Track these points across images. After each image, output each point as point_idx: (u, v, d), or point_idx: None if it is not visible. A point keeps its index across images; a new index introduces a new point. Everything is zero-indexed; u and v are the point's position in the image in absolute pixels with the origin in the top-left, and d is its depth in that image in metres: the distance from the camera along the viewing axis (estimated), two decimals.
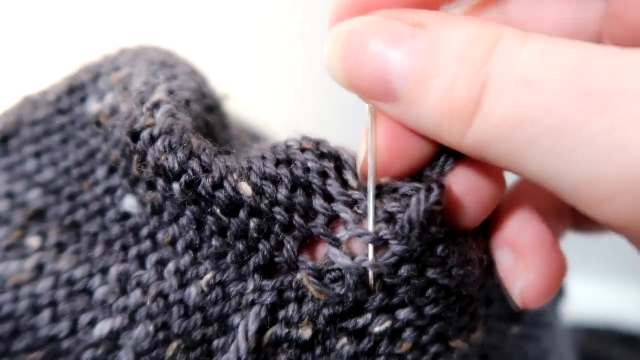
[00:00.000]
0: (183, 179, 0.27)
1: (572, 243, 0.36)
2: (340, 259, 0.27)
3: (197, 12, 0.73)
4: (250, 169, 0.28)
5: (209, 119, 0.32)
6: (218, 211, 0.27)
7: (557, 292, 0.37)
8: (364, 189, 0.28)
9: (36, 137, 0.33)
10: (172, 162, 0.27)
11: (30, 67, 0.65)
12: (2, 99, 0.34)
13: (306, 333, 0.27)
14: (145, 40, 0.35)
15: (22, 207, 0.31)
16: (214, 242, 0.28)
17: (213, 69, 0.36)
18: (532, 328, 0.37)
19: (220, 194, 0.27)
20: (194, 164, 0.27)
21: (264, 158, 0.29)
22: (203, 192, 0.27)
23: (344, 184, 0.28)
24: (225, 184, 0.27)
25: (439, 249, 0.27)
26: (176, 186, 0.27)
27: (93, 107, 0.32)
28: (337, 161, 0.29)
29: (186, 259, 0.29)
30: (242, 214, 0.27)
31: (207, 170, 0.27)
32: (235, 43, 0.73)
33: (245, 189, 0.27)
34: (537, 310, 0.37)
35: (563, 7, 0.28)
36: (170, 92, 0.30)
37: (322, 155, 0.29)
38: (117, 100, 0.31)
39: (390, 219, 0.26)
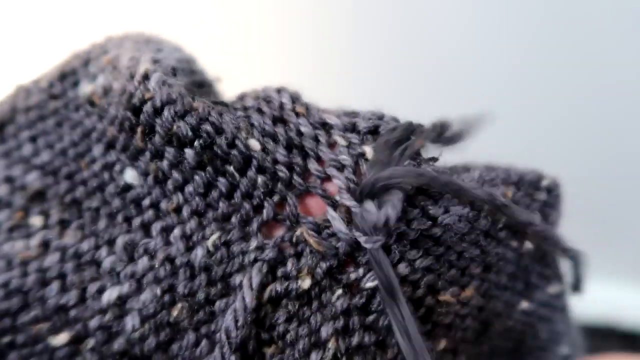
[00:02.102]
0: (197, 142, 0.29)
1: (572, 242, 0.37)
2: (337, 224, 0.29)
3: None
4: (252, 125, 0.30)
5: (198, 94, 0.33)
6: (232, 169, 0.29)
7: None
8: (350, 150, 0.30)
9: (31, 122, 0.34)
10: (184, 129, 0.29)
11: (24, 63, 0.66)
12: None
13: (305, 283, 0.29)
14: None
15: (21, 189, 0.32)
16: (221, 205, 0.30)
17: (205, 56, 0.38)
18: (545, 308, 0.37)
19: (234, 152, 0.29)
20: (207, 127, 0.29)
21: (261, 112, 0.31)
22: (219, 152, 0.29)
23: (332, 144, 0.30)
24: (237, 142, 0.29)
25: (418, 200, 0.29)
26: (189, 151, 0.29)
27: (85, 88, 0.34)
28: (328, 125, 0.31)
29: (192, 224, 0.30)
30: (251, 172, 0.29)
31: (219, 131, 0.29)
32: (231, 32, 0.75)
33: (254, 144, 0.29)
34: (551, 293, 0.38)
35: None
36: (155, 61, 0.31)
37: (314, 122, 0.31)
38: (109, 80, 0.32)
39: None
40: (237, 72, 0.39)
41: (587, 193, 0.38)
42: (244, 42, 0.76)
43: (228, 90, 0.39)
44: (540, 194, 0.34)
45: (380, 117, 0.31)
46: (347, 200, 0.28)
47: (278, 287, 0.29)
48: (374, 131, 0.31)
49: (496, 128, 0.76)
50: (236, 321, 0.28)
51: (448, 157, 0.32)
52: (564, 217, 0.37)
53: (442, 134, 0.31)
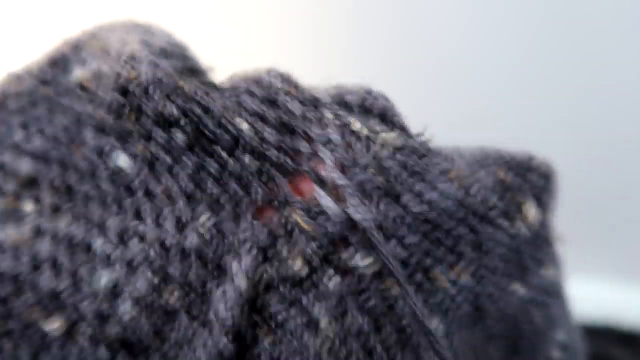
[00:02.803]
0: (184, 122, 0.29)
1: (572, 241, 0.37)
2: (325, 200, 0.29)
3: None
4: (240, 104, 0.30)
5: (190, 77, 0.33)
6: (219, 149, 0.29)
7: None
8: (336, 121, 0.30)
9: (22, 108, 0.34)
10: (171, 109, 0.29)
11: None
12: None
13: (297, 264, 0.29)
14: None
15: (13, 175, 0.32)
16: (210, 186, 0.30)
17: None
18: (539, 293, 0.37)
19: (221, 132, 0.29)
20: (194, 107, 0.29)
21: (250, 93, 0.31)
22: (206, 132, 0.29)
23: (320, 120, 0.30)
24: (224, 122, 0.29)
25: (402, 177, 0.29)
26: (176, 131, 0.29)
27: (76, 73, 0.34)
28: (317, 102, 0.31)
29: (182, 206, 0.30)
30: (239, 152, 0.29)
31: (206, 110, 0.29)
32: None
33: (242, 124, 0.29)
34: (546, 277, 0.37)
35: None
36: (144, 42, 0.31)
37: (304, 100, 0.31)
38: (99, 64, 0.32)
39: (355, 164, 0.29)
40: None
41: (588, 193, 0.38)
42: (242, 40, 0.76)
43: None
44: (531, 175, 0.34)
45: (369, 92, 0.31)
46: (338, 179, 0.28)
47: (269, 269, 0.29)
48: (361, 104, 0.31)
49: (495, 127, 0.76)
50: (226, 303, 0.28)
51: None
52: (564, 218, 0.37)
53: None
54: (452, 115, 0.77)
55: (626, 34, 0.75)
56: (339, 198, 0.29)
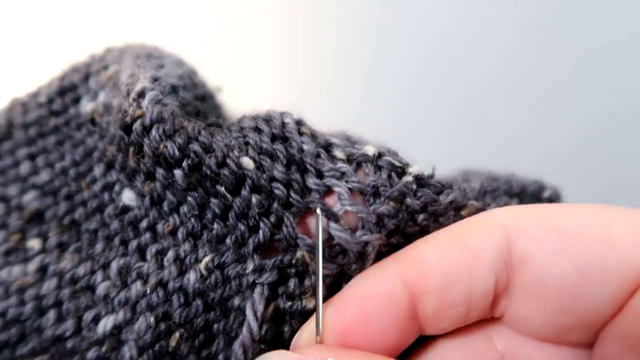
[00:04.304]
0: (185, 163, 0.28)
1: None
2: (341, 234, 0.27)
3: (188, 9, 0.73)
4: (247, 143, 0.29)
5: (201, 107, 0.33)
6: (223, 189, 0.28)
7: None
8: (350, 161, 0.29)
9: (30, 139, 0.33)
10: (171, 149, 0.28)
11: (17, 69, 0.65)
12: None
13: (310, 303, 0.28)
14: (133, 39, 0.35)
15: (18, 209, 0.31)
16: (215, 226, 0.29)
17: (206, 64, 0.37)
18: None
19: (224, 171, 0.28)
20: (195, 146, 0.28)
21: (259, 131, 0.29)
22: (208, 172, 0.28)
23: (333, 158, 0.29)
24: (228, 161, 0.28)
25: (420, 218, 0.28)
26: (178, 172, 0.28)
27: (87, 106, 0.33)
28: (330, 145, 0.29)
29: (186, 247, 0.29)
30: (245, 191, 0.28)
31: (208, 150, 0.28)
32: (228, 37, 0.74)
33: (247, 162, 0.28)
34: None
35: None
36: (155, 79, 0.30)
37: (318, 141, 0.29)
38: (109, 98, 0.31)
39: (376, 193, 0.28)
40: (235, 79, 0.38)
41: (587, 193, 0.38)
42: (241, 48, 0.75)
43: (228, 99, 0.38)
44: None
45: (383, 152, 0.29)
46: (349, 206, 0.27)
47: (281, 304, 0.28)
48: (373, 162, 0.29)
49: (496, 129, 0.76)
50: (245, 352, 0.27)
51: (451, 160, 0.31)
52: None
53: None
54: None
55: (625, 34, 0.75)
56: (353, 229, 0.28)
